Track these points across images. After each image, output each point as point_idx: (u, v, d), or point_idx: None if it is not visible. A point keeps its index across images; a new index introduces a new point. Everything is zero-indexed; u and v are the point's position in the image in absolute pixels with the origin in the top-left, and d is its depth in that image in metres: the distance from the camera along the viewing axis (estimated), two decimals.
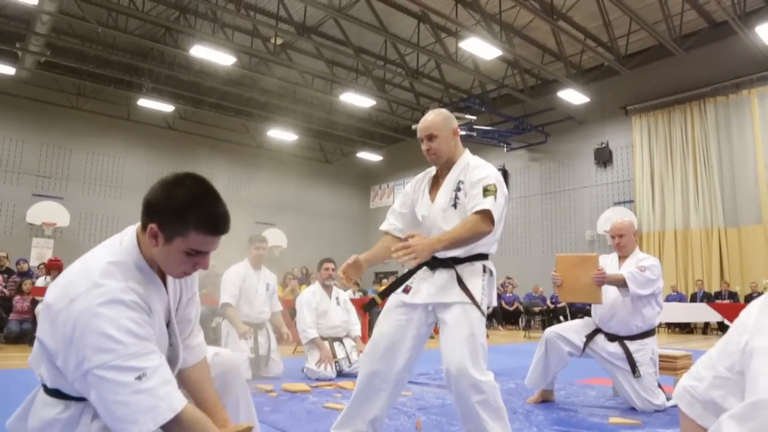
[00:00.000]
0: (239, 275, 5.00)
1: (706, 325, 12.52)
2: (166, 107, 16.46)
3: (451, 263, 2.41)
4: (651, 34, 12.47)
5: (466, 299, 2.34)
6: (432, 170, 2.68)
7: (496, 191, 2.33)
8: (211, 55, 12.70)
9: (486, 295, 2.39)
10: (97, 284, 1.40)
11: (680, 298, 12.84)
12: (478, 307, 2.33)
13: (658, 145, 14.54)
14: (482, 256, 2.44)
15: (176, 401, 1.39)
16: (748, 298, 11.85)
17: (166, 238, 1.47)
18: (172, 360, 1.62)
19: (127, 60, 14.78)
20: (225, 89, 16.30)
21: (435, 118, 2.55)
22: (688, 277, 13.61)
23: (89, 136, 16.73)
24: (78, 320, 1.35)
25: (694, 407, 0.99)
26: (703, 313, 11.36)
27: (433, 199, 2.55)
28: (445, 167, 2.56)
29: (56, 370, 1.42)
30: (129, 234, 1.56)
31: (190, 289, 1.70)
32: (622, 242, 3.94)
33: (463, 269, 2.41)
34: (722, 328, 11.82)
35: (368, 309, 2.54)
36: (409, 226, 2.66)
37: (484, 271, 2.42)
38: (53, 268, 9.43)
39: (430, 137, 2.52)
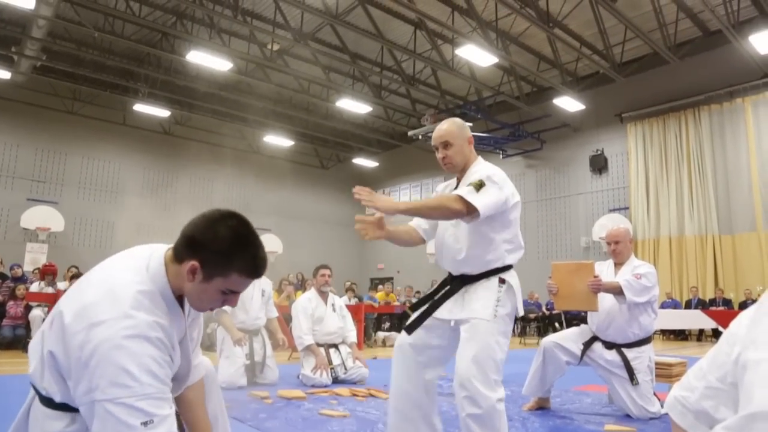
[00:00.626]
0: None
1: (701, 332, 12.56)
2: (162, 112, 16.44)
3: (467, 280, 2.47)
4: (646, 42, 12.54)
5: (477, 315, 2.36)
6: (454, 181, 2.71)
7: (481, 185, 2.34)
8: (208, 60, 12.70)
9: (502, 305, 2.40)
10: (127, 315, 1.35)
11: (675, 305, 12.87)
12: (491, 320, 2.35)
13: (653, 152, 14.61)
14: (497, 270, 2.45)
15: None
16: (743, 305, 11.89)
17: (206, 276, 1.45)
18: (182, 377, 1.63)
19: (123, 65, 14.78)
20: (221, 94, 16.30)
21: (450, 127, 2.60)
22: (683, 284, 13.65)
23: (85, 141, 16.69)
24: (99, 348, 1.30)
25: (685, 417, 0.99)
26: (697, 320, 11.45)
27: None
28: (461, 176, 2.60)
29: (64, 383, 1.39)
30: (156, 260, 1.51)
31: (196, 313, 1.69)
32: (618, 249, 3.94)
33: (478, 285, 2.45)
34: (717, 335, 11.85)
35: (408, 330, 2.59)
36: (434, 227, 2.70)
37: (502, 282, 2.43)
38: (47, 273, 9.40)
39: (446, 145, 2.57)
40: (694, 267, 13.56)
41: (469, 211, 2.29)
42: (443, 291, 2.56)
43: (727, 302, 12.29)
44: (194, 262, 1.44)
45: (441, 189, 2.80)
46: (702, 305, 12.27)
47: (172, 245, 1.54)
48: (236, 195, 19.72)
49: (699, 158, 13.78)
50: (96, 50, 14.19)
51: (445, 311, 2.50)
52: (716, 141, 13.61)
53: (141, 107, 15.93)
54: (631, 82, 14.54)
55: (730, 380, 0.89)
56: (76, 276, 9.05)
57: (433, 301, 2.56)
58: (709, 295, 12.89)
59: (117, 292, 1.39)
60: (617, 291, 3.62)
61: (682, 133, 14.16)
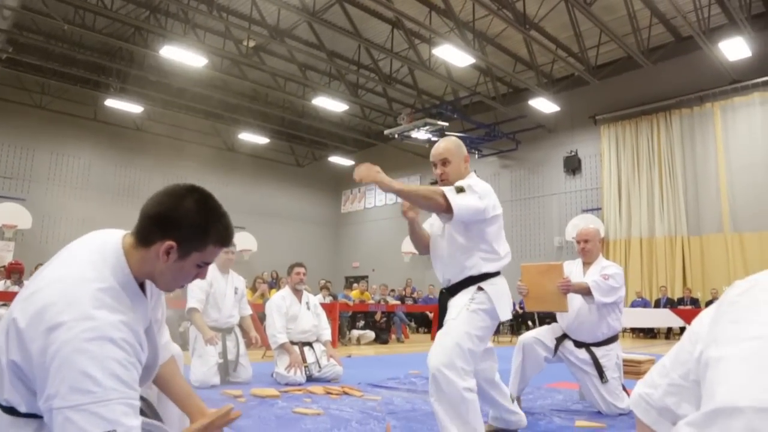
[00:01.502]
0: (206, 280, 4.91)
1: (669, 330, 12.82)
2: (135, 108, 16.16)
3: (452, 292, 2.70)
4: (620, 46, 12.75)
5: (451, 316, 2.58)
6: None
7: (462, 190, 2.49)
8: (182, 56, 12.52)
9: (477, 303, 2.58)
10: (88, 316, 1.25)
11: (645, 304, 13.10)
12: (463, 312, 2.55)
13: (625, 154, 14.86)
14: (475, 279, 2.63)
15: None
16: (709, 304, 11.96)
17: (182, 253, 1.41)
18: (151, 365, 1.57)
19: (94, 59, 14.48)
20: (195, 91, 16.09)
21: (448, 145, 2.77)
22: (653, 283, 13.91)
23: (54, 137, 16.33)
24: (59, 351, 1.21)
25: (649, 414, 1.02)
26: (666, 318, 11.72)
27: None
28: None
29: (30, 392, 1.30)
30: (113, 250, 1.41)
31: (158, 292, 1.64)
32: (587, 248, 3.99)
33: (458, 295, 2.66)
34: (684, 332, 12.09)
35: None
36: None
37: (480, 289, 2.61)
38: (14, 271, 9.16)
39: (444, 162, 2.73)
40: (663, 267, 13.84)
41: (447, 209, 2.42)
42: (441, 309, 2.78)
43: (695, 301, 12.56)
44: (170, 242, 1.38)
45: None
46: (671, 304, 12.52)
47: (126, 231, 1.47)
48: (210, 192, 19.47)
49: (670, 161, 14.06)
50: (65, 43, 13.89)
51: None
52: (686, 144, 13.91)
53: (112, 102, 15.66)
54: (605, 84, 14.76)
55: (692, 378, 0.91)
56: None
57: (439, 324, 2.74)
58: (677, 294, 13.17)
59: (74, 291, 1.29)
60: (586, 292, 3.66)
61: (654, 136, 14.43)
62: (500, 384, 3.04)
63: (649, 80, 14.21)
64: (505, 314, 2.62)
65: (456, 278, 2.68)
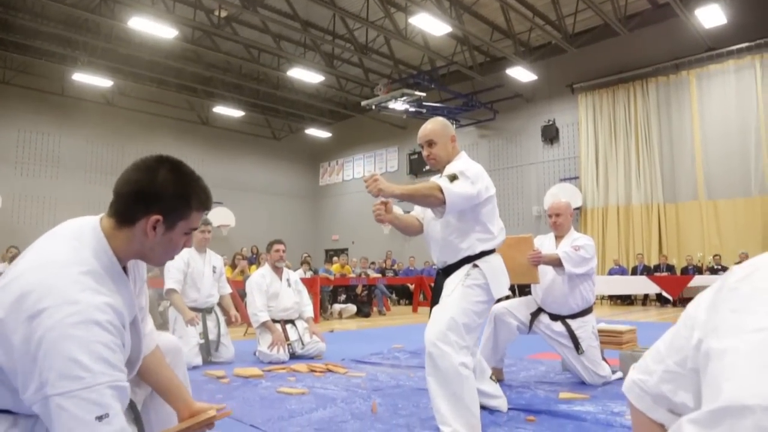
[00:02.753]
0: (183, 260, 4.82)
1: (646, 296, 13.06)
2: (104, 82, 15.67)
3: (448, 272, 2.73)
4: (597, 14, 12.67)
5: (447, 293, 2.63)
6: None
7: (455, 178, 2.51)
8: (152, 27, 12.13)
9: (473, 278, 2.61)
10: (70, 300, 1.22)
11: (622, 272, 13.32)
12: (458, 288, 2.61)
13: (602, 123, 14.91)
14: (470, 258, 2.67)
15: None
16: (684, 271, 12.41)
17: (169, 225, 1.41)
18: (135, 358, 1.53)
19: (58, 31, 13.94)
20: (167, 63, 15.66)
21: (434, 126, 2.77)
22: (630, 251, 14.12)
23: (19, 113, 15.79)
24: (44, 338, 1.17)
25: (643, 400, 1.01)
26: (643, 285, 11.94)
27: None
28: (443, 171, 2.74)
29: (7, 389, 1.25)
30: (92, 235, 1.37)
31: (141, 279, 1.59)
32: (559, 221, 4.00)
33: (453, 274, 2.69)
34: (660, 299, 12.36)
35: None
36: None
37: (475, 266, 2.65)
38: None
39: (430, 144, 2.75)
40: (640, 234, 14.04)
41: (443, 202, 2.47)
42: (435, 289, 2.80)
43: (671, 268, 12.79)
44: (156, 216, 1.37)
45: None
46: (647, 271, 12.74)
47: (101, 215, 1.43)
48: None
49: (646, 129, 14.16)
50: (26, 14, 13.34)
51: None
52: (662, 113, 14.00)
53: (80, 77, 15.14)
54: (583, 53, 14.73)
55: (690, 366, 0.89)
56: (16, 257, 8.64)
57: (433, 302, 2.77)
58: (653, 261, 13.39)
59: (54, 276, 1.25)
60: (557, 263, 3.69)
61: (631, 105, 14.48)
62: (478, 366, 3.02)
63: (626, 48, 14.19)
64: (500, 291, 2.65)
65: (452, 260, 2.71)
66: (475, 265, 2.64)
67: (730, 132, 12.92)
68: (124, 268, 1.44)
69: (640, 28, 13.82)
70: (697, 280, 11.42)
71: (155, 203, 1.38)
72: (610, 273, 13.18)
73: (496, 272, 2.67)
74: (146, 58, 15.40)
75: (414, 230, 2.93)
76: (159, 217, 1.38)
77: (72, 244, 1.34)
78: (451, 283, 2.65)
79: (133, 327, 1.47)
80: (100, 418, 1.18)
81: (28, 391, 1.19)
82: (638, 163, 14.19)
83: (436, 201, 2.47)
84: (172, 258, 1.52)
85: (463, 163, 2.69)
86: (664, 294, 11.84)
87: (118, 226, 1.39)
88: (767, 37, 12.39)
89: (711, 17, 11.52)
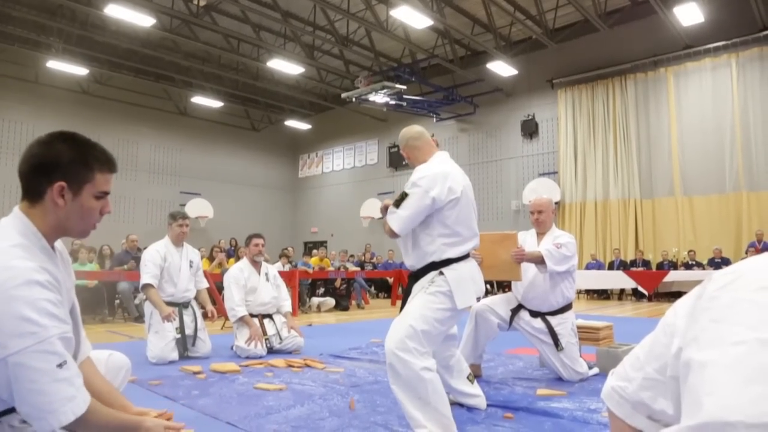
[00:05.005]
0: (159, 254, 4.74)
1: (622, 291, 13.23)
2: (80, 70, 15.34)
3: (417, 277, 2.72)
4: (577, 9, 12.73)
5: (410, 299, 2.65)
6: None
7: (403, 198, 2.58)
8: (128, 15, 11.89)
9: (436, 286, 2.58)
10: (6, 267, 1.29)
11: (599, 266, 13.47)
12: (420, 295, 2.61)
13: (581, 118, 15.03)
14: (437, 265, 2.63)
15: (87, 394, 1.37)
16: (660, 266, 12.59)
17: (75, 190, 1.45)
18: (76, 346, 1.52)
19: (32, 17, 13.60)
20: (145, 52, 15.38)
21: (400, 137, 2.89)
22: (607, 245, 14.29)
23: None
24: None
25: (622, 407, 1.00)
26: (619, 280, 12.09)
27: None
28: None
29: None
30: (14, 216, 1.44)
31: (71, 278, 1.58)
32: (541, 218, 4.01)
33: (420, 280, 2.69)
34: (636, 294, 12.53)
35: None
36: None
37: (440, 274, 2.61)
38: None
39: (403, 150, 2.90)
40: (617, 229, 14.22)
41: (393, 234, 2.60)
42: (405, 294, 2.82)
43: (647, 263, 12.97)
44: (59, 183, 1.41)
45: None
46: (623, 266, 12.90)
47: (15, 207, 1.47)
48: (163, 159, 18.93)
49: (624, 125, 14.30)
50: None
51: None
52: (640, 109, 14.15)
53: (55, 64, 14.82)
54: (563, 48, 14.80)
55: (670, 373, 0.88)
56: None
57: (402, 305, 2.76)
58: (630, 256, 13.56)
59: None
60: (539, 260, 3.69)
61: (609, 101, 14.61)
62: (456, 366, 3.04)
63: (606, 44, 14.30)
64: (464, 302, 2.58)
65: (419, 265, 2.69)
66: (441, 273, 2.60)
67: (706, 130, 13.11)
68: (53, 248, 1.48)
69: (620, 24, 13.93)
70: (672, 276, 11.60)
71: (54, 171, 1.42)
72: (587, 267, 13.32)
73: (462, 281, 2.61)
74: (123, 47, 15.13)
75: None
76: (62, 183, 1.42)
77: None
78: (416, 289, 2.64)
79: (72, 316, 1.50)
80: (60, 366, 1.28)
81: None
82: (616, 158, 14.34)
83: (390, 234, 2.61)
84: (92, 226, 1.54)
85: (422, 170, 2.66)
86: (640, 289, 12.02)
87: (32, 204, 1.44)
88: (744, 36, 12.58)
89: (689, 15, 11.65)
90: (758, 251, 11.59)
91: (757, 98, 12.55)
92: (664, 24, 12.67)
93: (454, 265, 2.62)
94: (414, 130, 2.87)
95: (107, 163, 1.51)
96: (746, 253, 11.74)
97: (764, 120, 12.46)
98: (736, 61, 12.82)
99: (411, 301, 2.60)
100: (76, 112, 16.87)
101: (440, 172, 2.61)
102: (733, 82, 12.83)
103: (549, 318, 3.88)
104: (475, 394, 3.07)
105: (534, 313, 3.93)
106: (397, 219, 2.56)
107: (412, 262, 2.74)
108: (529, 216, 4.15)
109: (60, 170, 1.42)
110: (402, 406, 2.45)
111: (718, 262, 11.86)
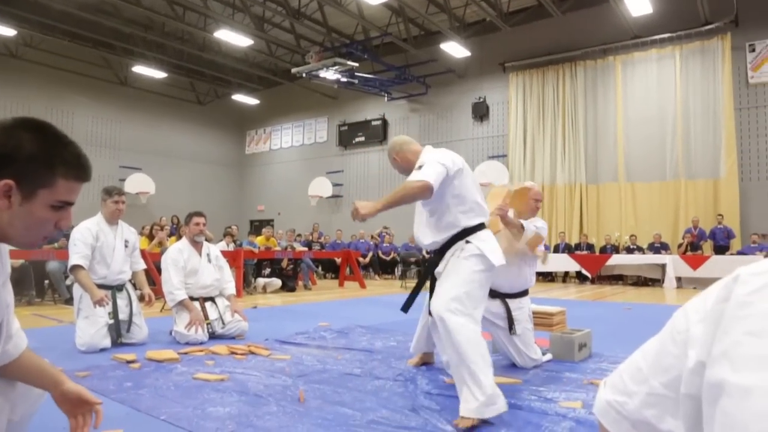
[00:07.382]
0: (90, 232, 4.36)
1: (566, 273, 13.50)
2: (8, 31, 14.28)
3: (442, 251, 2.88)
4: None
5: (441, 269, 2.84)
6: None
7: (421, 166, 2.71)
8: None
9: (469, 251, 2.75)
10: None
11: (545, 249, 13.66)
12: (457, 261, 2.77)
13: (531, 103, 15.14)
14: (459, 235, 2.82)
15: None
16: (603, 250, 12.89)
17: (26, 193, 1.18)
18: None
19: None
20: (81, 15, 14.43)
21: (388, 150, 3.14)
22: (553, 229, 14.52)
23: None
24: None
25: (620, 425, 0.86)
26: (564, 263, 12.32)
27: None
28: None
29: None
30: None
31: (5, 271, 1.33)
32: (539, 206, 4.08)
33: (446, 251, 2.85)
34: (579, 276, 12.81)
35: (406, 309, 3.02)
36: None
37: (466, 243, 2.80)
38: None
39: (394, 161, 3.09)
40: (563, 213, 14.49)
41: (425, 189, 2.63)
42: (429, 265, 3.00)
43: (590, 247, 13.26)
44: (7, 181, 1.15)
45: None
46: (569, 249, 13.15)
47: None
48: (101, 130, 18.00)
49: (573, 111, 14.50)
50: None
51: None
52: (589, 96, 14.37)
53: None
54: (516, 32, 14.81)
55: (684, 391, 0.73)
56: None
57: (421, 277, 3.00)
58: (575, 240, 13.84)
59: None
60: (518, 229, 3.70)
61: (559, 86, 14.76)
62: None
63: (558, 30, 14.39)
64: (497, 259, 2.77)
65: (440, 238, 2.86)
66: (468, 241, 2.77)
67: (649, 119, 13.44)
68: None
69: (573, 11, 14.02)
70: (614, 259, 11.90)
71: (6, 166, 1.16)
72: None
73: (489, 241, 2.81)
74: (57, 8, 14.13)
75: None
76: (10, 181, 1.16)
77: None
78: (445, 260, 2.82)
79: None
80: None
81: None
82: (564, 144, 14.55)
83: (416, 192, 2.63)
84: (39, 240, 1.27)
85: (422, 157, 2.83)
86: (584, 272, 12.28)
87: None
88: (688, 29, 12.89)
89: (638, 6, 11.80)
90: (694, 237, 12.02)
91: (698, 90, 12.93)
92: (614, 13, 12.83)
93: (477, 234, 2.81)
94: (402, 137, 3.09)
95: (76, 170, 1.25)
96: (683, 238, 12.16)
97: (704, 111, 12.86)
98: (680, 53, 13.14)
99: (443, 270, 2.77)
100: (5, 77, 15.80)
101: (439, 151, 2.85)
102: (677, 73, 13.17)
103: (508, 301, 3.82)
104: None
105: (494, 294, 3.84)
106: (423, 173, 2.63)
107: (433, 238, 2.89)
108: (530, 203, 4.11)
109: (12, 166, 1.16)
110: (452, 366, 2.62)
111: (657, 247, 12.24)
